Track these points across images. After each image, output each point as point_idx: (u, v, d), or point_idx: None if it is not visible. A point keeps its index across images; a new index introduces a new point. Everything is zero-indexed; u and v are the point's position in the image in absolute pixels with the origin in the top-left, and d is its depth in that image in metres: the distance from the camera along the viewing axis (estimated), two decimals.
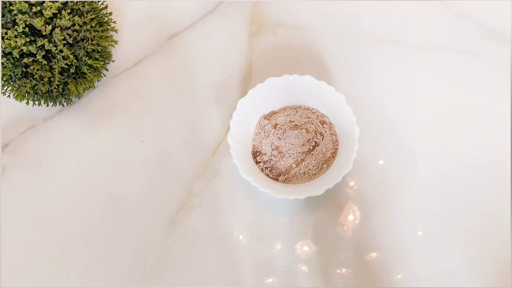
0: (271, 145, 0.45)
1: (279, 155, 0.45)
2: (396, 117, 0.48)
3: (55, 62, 0.44)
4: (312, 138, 0.45)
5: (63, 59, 0.44)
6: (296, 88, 0.46)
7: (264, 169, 0.45)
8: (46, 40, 0.42)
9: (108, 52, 0.51)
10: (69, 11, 0.44)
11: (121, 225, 0.46)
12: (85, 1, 0.47)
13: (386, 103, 0.49)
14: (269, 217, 0.45)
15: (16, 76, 0.44)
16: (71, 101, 0.51)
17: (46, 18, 0.42)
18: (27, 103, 0.47)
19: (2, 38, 0.41)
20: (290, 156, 0.45)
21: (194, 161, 0.48)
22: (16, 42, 0.41)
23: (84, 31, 0.45)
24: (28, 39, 0.42)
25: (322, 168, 0.44)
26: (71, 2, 0.44)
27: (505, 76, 0.49)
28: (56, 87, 0.46)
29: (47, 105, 0.50)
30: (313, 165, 0.44)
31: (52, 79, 0.45)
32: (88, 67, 0.47)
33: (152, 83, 0.52)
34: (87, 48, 0.46)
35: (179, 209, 0.46)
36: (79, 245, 0.45)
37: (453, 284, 0.42)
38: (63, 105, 0.50)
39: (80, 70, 0.47)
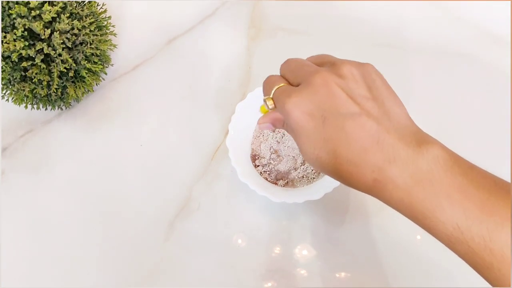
0: (270, 149, 0.45)
1: (277, 159, 0.45)
2: None
3: (54, 66, 0.44)
4: None
5: (62, 62, 0.44)
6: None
7: (263, 172, 0.45)
8: (45, 43, 0.42)
9: (107, 56, 0.51)
10: (68, 15, 0.44)
11: (120, 228, 0.46)
12: (84, 5, 0.47)
13: None
14: (268, 221, 0.45)
15: (15, 80, 0.44)
16: (70, 105, 0.51)
17: (45, 22, 0.42)
18: (26, 106, 0.47)
19: (1, 41, 0.41)
20: (289, 160, 0.45)
21: (193, 165, 0.48)
22: (15, 45, 0.41)
23: (83, 35, 0.45)
24: (27, 43, 0.42)
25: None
26: (70, 6, 0.44)
27: (504, 79, 0.49)
28: (55, 90, 0.46)
29: (46, 109, 0.50)
30: (312, 169, 0.44)
31: (51, 82, 0.45)
32: (87, 71, 0.47)
33: (151, 87, 0.52)
34: (86, 52, 0.46)
35: (178, 213, 0.46)
36: (78, 249, 0.45)
37: (452, 285, 0.42)
38: (61, 109, 0.50)
39: (79, 73, 0.47)
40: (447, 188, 0.25)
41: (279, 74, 0.33)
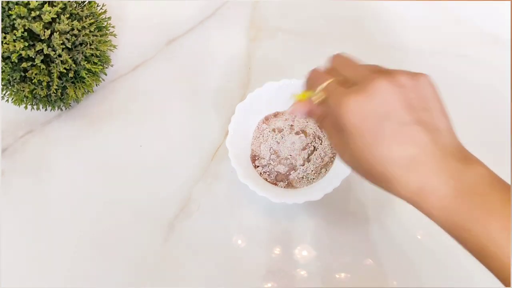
0: (270, 150, 0.45)
1: (277, 160, 0.45)
2: None
3: (53, 67, 0.44)
4: (311, 143, 0.45)
5: (61, 63, 0.44)
6: (294, 92, 0.46)
7: (262, 173, 0.45)
8: (45, 44, 0.42)
9: (107, 57, 0.51)
10: (68, 15, 0.44)
11: (119, 230, 0.46)
12: (84, 6, 0.47)
13: None
14: (267, 222, 0.45)
15: (15, 81, 0.44)
16: (70, 105, 0.51)
17: (45, 22, 0.42)
18: (26, 107, 0.47)
19: (1, 42, 0.41)
20: (289, 161, 0.45)
21: (192, 166, 0.48)
22: (15, 46, 0.41)
23: (83, 35, 0.45)
24: (27, 44, 0.42)
25: (321, 172, 0.44)
26: (70, 6, 0.44)
27: (504, 79, 0.49)
28: (55, 91, 0.46)
29: (46, 110, 0.50)
30: (312, 169, 0.44)
31: (50, 83, 0.45)
32: (86, 72, 0.47)
33: (151, 88, 0.52)
34: (85, 53, 0.46)
35: (178, 213, 0.46)
36: (77, 250, 0.45)
37: (453, 285, 0.42)
38: (61, 109, 0.50)
39: (78, 74, 0.47)
40: (491, 203, 0.26)
41: (313, 68, 0.34)
